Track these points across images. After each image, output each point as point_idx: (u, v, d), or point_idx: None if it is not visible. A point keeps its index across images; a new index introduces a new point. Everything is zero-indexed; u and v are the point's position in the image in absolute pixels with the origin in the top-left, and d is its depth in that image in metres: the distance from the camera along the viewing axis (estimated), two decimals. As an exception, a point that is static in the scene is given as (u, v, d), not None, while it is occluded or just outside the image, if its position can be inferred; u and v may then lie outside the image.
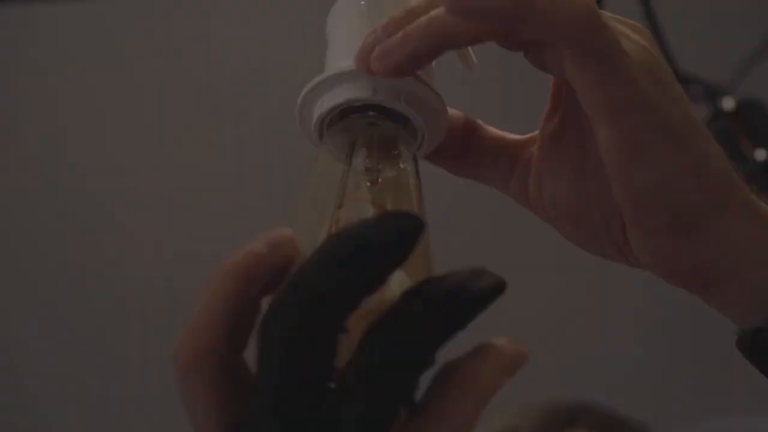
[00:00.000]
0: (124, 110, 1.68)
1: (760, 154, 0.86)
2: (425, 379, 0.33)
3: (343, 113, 0.43)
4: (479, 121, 0.48)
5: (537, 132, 0.47)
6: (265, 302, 0.34)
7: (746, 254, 0.41)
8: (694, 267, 0.42)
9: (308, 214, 0.40)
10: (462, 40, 0.41)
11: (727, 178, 0.42)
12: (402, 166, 0.44)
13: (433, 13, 0.41)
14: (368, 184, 0.43)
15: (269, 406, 0.31)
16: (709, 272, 0.42)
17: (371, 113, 0.43)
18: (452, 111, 0.47)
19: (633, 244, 0.43)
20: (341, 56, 0.44)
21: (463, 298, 0.32)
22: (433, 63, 0.44)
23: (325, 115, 0.43)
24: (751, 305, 0.42)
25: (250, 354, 0.33)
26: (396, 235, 0.31)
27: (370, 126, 0.44)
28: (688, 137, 0.41)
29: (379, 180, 0.43)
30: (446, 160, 0.48)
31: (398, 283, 0.34)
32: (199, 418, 0.34)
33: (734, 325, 0.44)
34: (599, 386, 1.31)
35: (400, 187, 0.43)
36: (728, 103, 0.91)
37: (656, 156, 0.40)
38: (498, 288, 0.33)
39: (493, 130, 0.48)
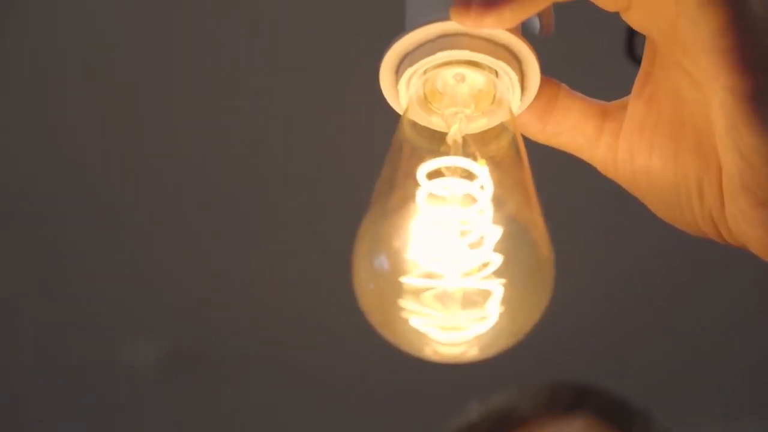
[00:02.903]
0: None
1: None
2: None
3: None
4: (563, 84, 0.46)
5: (625, 98, 0.46)
6: None
7: None
8: None
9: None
10: None
11: None
12: (501, 120, 0.43)
13: None
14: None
15: None
16: None
17: (463, 66, 0.41)
18: None
19: (734, 214, 0.41)
20: (427, 8, 0.42)
21: None
22: None
23: (415, 71, 0.41)
24: None
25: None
26: None
27: (455, 79, 0.42)
28: None
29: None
30: (530, 124, 0.45)
31: None
32: None
33: None
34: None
35: (501, 141, 0.42)
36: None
37: None
38: None
39: (579, 94, 0.46)
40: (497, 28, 0.40)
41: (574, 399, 0.92)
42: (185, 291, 1.98)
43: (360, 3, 1.46)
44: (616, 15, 0.43)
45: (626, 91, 0.45)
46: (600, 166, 0.46)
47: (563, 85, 0.46)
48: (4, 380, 2.19)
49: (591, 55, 1.34)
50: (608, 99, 0.46)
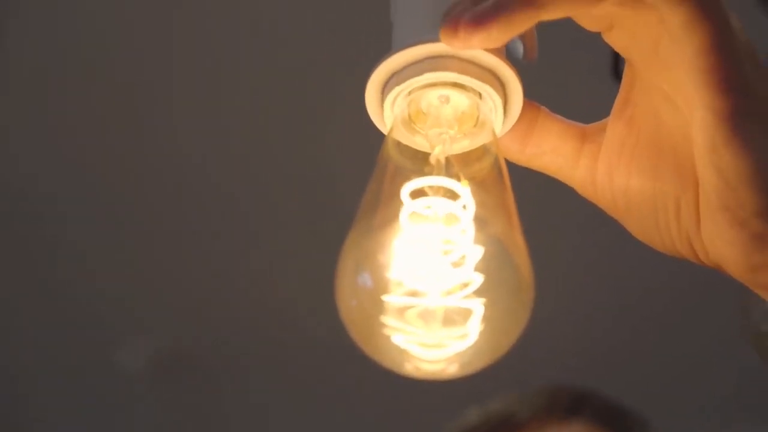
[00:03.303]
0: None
1: None
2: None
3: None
4: (543, 107, 0.47)
5: (604, 120, 0.46)
6: None
7: None
8: None
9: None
10: (560, 8, 0.40)
11: None
12: (483, 141, 0.43)
13: None
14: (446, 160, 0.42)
15: None
16: None
17: (448, 87, 0.42)
18: None
19: (711, 234, 0.42)
20: (414, 30, 0.42)
21: None
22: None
23: (401, 92, 0.42)
24: None
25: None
26: None
27: (440, 100, 0.43)
28: None
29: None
30: (510, 145, 0.46)
31: None
32: None
33: None
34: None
35: (484, 163, 0.43)
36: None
37: (758, 139, 0.39)
38: None
39: (558, 116, 0.47)
40: (485, 47, 0.41)
41: (573, 404, 0.93)
42: (183, 291, 1.99)
43: (360, 2, 1.46)
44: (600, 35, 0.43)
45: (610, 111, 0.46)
46: (579, 188, 0.47)
47: (543, 107, 0.47)
48: (1, 380, 2.20)
49: (576, 75, 1.35)
50: (594, 118, 0.47)
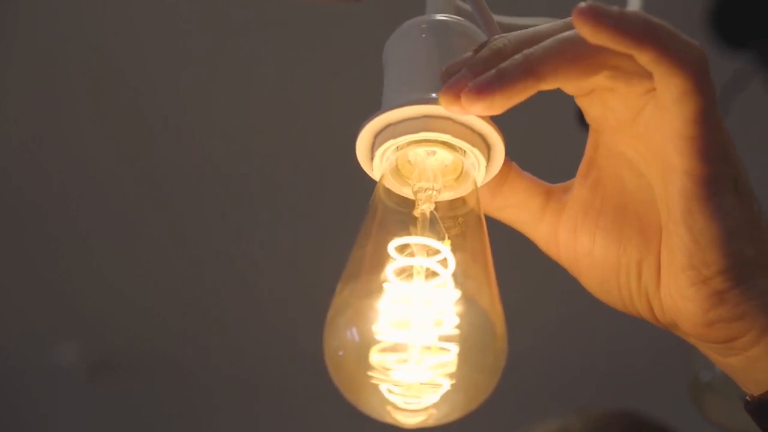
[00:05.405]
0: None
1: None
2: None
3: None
4: (514, 163, 0.50)
5: (570, 181, 0.49)
6: None
7: None
8: (732, 318, 0.43)
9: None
10: (558, 79, 0.43)
11: None
12: (465, 193, 0.46)
13: (527, 51, 0.42)
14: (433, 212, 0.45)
15: None
16: (742, 326, 0.44)
17: (437, 145, 0.45)
18: None
19: (671, 291, 0.45)
20: (409, 88, 0.45)
21: None
22: None
23: (394, 144, 0.45)
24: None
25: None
26: None
27: (427, 153, 0.46)
28: (750, 194, 0.44)
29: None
30: (481, 196, 0.49)
31: None
32: None
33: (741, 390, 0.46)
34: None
35: (464, 211, 0.46)
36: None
37: (730, 205, 0.43)
38: None
39: (527, 174, 0.50)
40: (484, 114, 0.44)
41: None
42: (116, 293, 1.97)
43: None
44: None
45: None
46: (541, 244, 0.50)
47: (514, 163, 0.50)
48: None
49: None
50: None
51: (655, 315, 0.47)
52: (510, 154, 0.48)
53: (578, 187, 0.48)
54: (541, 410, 1.07)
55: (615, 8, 0.41)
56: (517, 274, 1.30)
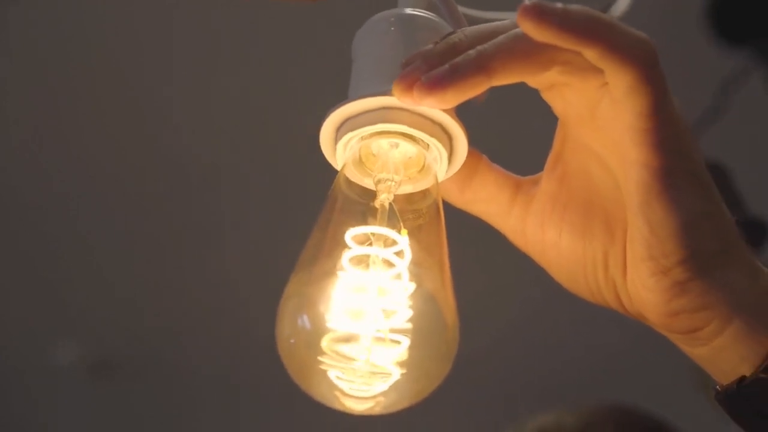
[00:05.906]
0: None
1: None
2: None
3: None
4: (484, 156, 0.50)
5: (539, 174, 0.49)
6: None
7: (741, 304, 0.44)
8: (694, 309, 0.44)
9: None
10: (509, 76, 0.43)
11: (733, 229, 0.45)
12: (426, 186, 0.46)
13: (481, 47, 0.43)
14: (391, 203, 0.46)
15: None
16: (705, 317, 0.44)
17: (398, 137, 0.45)
18: None
19: (635, 282, 0.45)
20: (372, 80, 0.46)
21: None
22: None
23: (355, 136, 0.45)
24: (734, 355, 0.44)
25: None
26: None
27: (390, 145, 0.46)
28: (710, 186, 0.44)
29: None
30: (450, 190, 0.49)
31: None
32: None
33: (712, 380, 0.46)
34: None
35: (423, 204, 0.46)
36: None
37: (687, 196, 0.43)
38: None
39: (497, 166, 0.50)
40: (436, 108, 0.44)
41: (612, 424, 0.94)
42: (116, 295, 1.98)
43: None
44: None
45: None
46: (510, 236, 0.50)
47: (484, 156, 0.50)
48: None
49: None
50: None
51: (624, 306, 0.47)
52: (480, 145, 0.48)
53: (546, 181, 0.49)
54: (525, 402, 1.06)
55: (559, 5, 0.41)
56: (497, 263, 1.29)
